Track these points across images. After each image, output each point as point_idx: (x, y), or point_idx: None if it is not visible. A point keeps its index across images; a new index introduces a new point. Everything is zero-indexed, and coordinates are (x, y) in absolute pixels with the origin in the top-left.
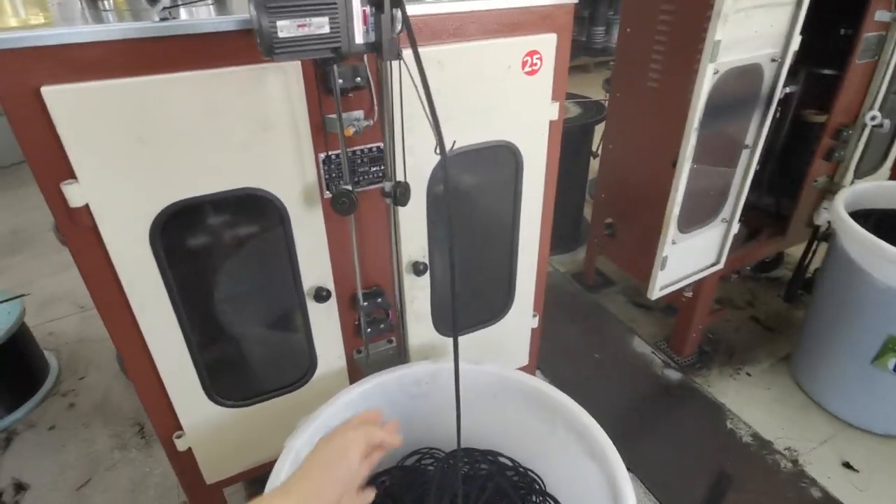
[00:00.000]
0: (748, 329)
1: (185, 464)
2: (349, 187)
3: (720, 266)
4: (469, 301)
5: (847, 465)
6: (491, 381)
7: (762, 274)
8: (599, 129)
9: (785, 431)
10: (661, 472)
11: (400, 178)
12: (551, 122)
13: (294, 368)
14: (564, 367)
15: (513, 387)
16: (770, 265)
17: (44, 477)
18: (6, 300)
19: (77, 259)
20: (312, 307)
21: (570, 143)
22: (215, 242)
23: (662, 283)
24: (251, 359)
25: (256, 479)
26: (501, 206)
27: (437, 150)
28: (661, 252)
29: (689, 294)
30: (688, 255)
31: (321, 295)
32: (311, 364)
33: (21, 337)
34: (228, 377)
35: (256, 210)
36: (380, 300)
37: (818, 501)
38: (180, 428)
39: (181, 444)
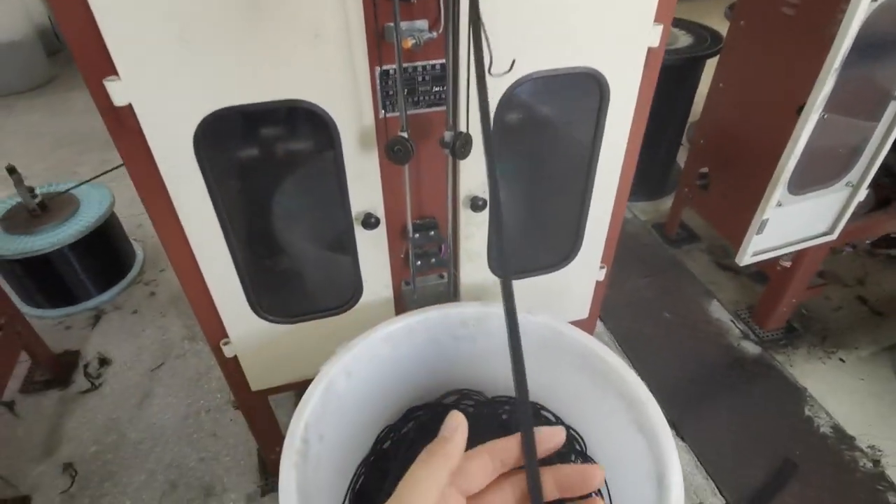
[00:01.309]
0: (852, 310)
1: (231, 369)
2: (405, 134)
3: (833, 237)
4: (528, 244)
5: None
6: (544, 334)
7: (883, 250)
8: (711, 66)
9: (872, 429)
10: (718, 448)
11: (463, 119)
12: (650, 50)
13: (339, 292)
14: (629, 322)
15: (566, 344)
16: (894, 241)
17: (124, 355)
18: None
19: (126, 163)
20: (360, 233)
21: (672, 77)
22: (262, 156)
23: (757, 248)
24: (296, 278)
25: (302, 392)
26: (577, 143)
27: (490, 70)
28: (760, 213)
29: (788, 264)
30: (794, 220)
31: (369, 222)
32: (356, 290)
33: (111, 225)
34: (273, 293)
35: (305, 125)
36: (432, 233)
37: None
38: (226, 336)
39: (227, 351)
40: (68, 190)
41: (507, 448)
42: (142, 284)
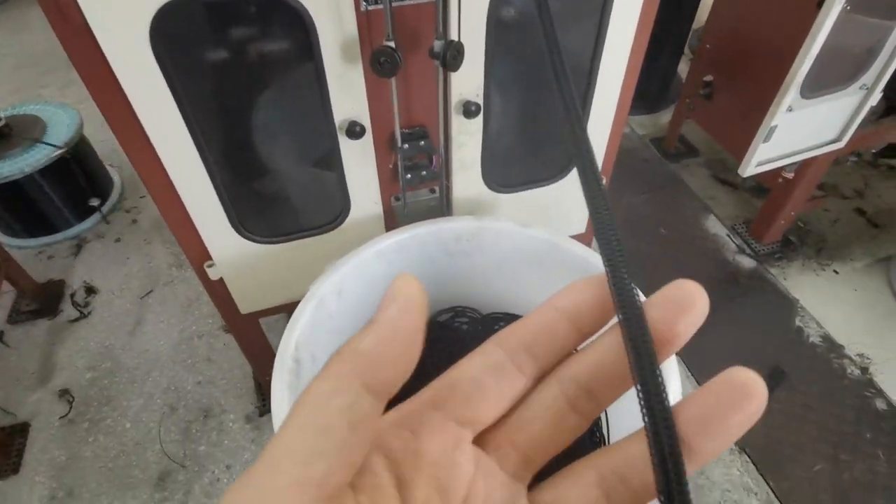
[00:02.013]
0: (849, 222)
1: (218, 292)
2: (392, 44)
3: (841, 144)
4: (524, 155)
5: None
6: (539, 248)
7: (885, 160)
8: None
9: (862, 337)
10: (709, 359)
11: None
12: None
13: (326, 209)
14: (626, 238)
15: (563, 257)
16: None
17: (111, 283)
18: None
19: (77, 67)
20: (345, 143)
21: None
22: (231, 56)
23: (762, 157)
24: (279, 194)
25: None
26: (577, 48)
27: None
28: (769, 119)
29: (790, 175)
30: (802, 127)
31: (354, 130)
32: (344, 206)
33: (83, 148)
34: (256, 212)
35: (278, 20)
36: (422, 143)
37: (881, 414)
38: (210, 258)
39: (212, 274)
40: (34, 112)
41: (534, 328)
42: (123, 212)
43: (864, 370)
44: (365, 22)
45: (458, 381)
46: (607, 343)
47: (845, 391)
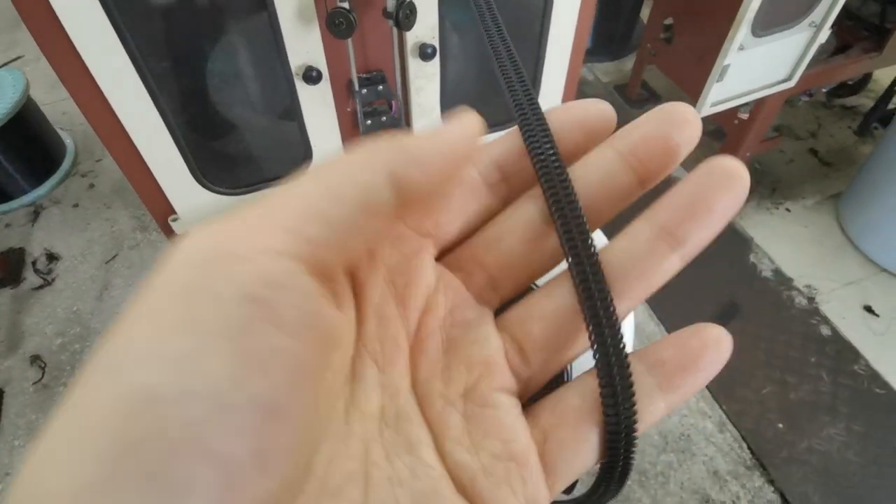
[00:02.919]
0: (803, 162)
1: None
2: (346, 5)
3: (791, 83)
4: (485, 98)
5: (868, 309)
6: None
7: (838, 100)
8: None
9: (810, 270)
10: (669, 297)
11: None
12: None
13: (288, 158)
14: None
15: None
16: (850, 89)
17: (72, 250)
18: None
19: (22, 14)
20: (303, 89)
21: None
22: (180, 2)
23: (716, 97)
24: (239, 144)
25: None
26: None
27: None
28: (722, 58)
29: (745, 116)
30: (755, 66)
31: (311, 76)
32: (306, 154)
33: (30, 112)
34: (217, 163)
35: None
36: (381, 88)
37: (824, 339)
38: (174, 212)
39: (177, 228)
40: None
41: (507, 147)
42: (78, 176)
43: (811, 300)
44: None
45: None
46: (593, 160)
47: (793, 320)
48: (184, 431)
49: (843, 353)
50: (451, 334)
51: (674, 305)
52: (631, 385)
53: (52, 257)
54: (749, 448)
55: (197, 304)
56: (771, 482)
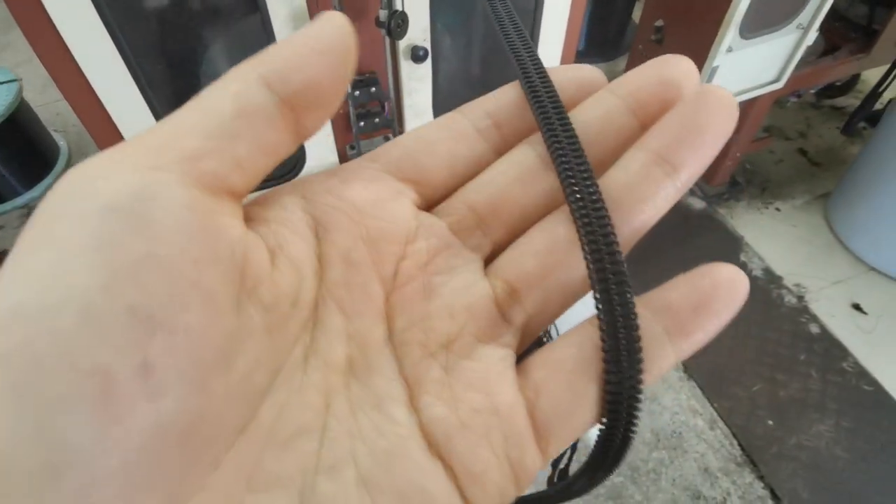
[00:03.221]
0: (792, 162)
1: None
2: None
3: (779, 85)
4: (473, 97)
5: (856, 307)
6: None
7: (826, 100)
8: None
9: (799, 268)
10: None
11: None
12: None
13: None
14: None
15: None
16: (839, 90)
17: None
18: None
19: (18, 20)
20: None
21: None
22: (175, 8)
23: None
24: None
25: None
26: None
27: None
28: (711, 61)
29: None
30: (743, 68)
31: None
32: (299, 156)
33: (24, 113)
34: None
35: None
36: (373, 90)
37: (813, 337)
38: None
39: None
40: None
41: (503, 99)
42: None
43: (800, 298)
44: None
45: (403, 139)
46: (592, 104)
47: (782, 318)
48: (51, 345)
49: (831, 350)
50: (434, 282)
51: None
52: (636, 328)
53: None
54: (739, 444)
55: (60, 222)
56: (761, 478)
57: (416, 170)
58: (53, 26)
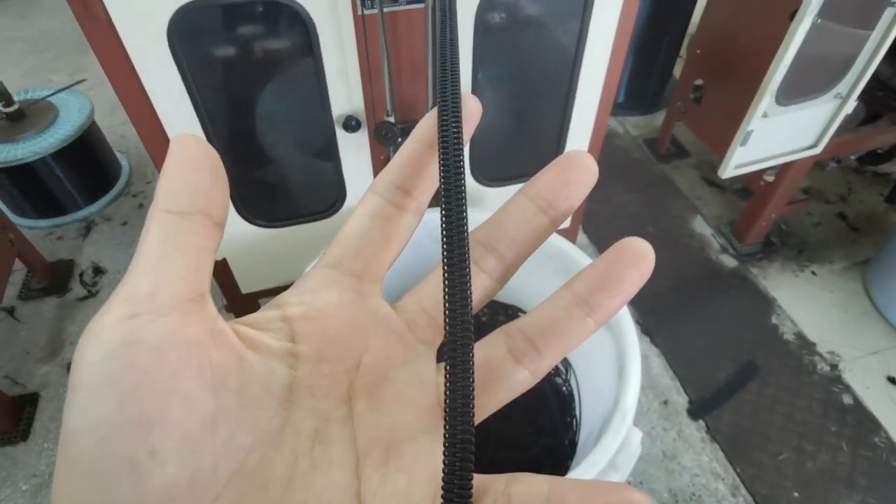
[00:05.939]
0: (831, 226)
1: (221, 272)
2: (392, 119)
3: (817, 151)
4: (509, 149)
5: (892, 380)
6: None
7: (869, 167)
8: None
9: (834, 336)
10: (687, 352)
11: None
12: None
13: (323, 197)
14: (612, 233)
15: (547, 251)
16: (881, 157)
17: (118, 265)
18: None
19: (100, 58)
20: (342, 136)
21: None
22: (240, 54)
23: (740, 160)
24: (280, 182)
25: None
26: (560, 48)
27: None
28: (745, 125)
29: (771, 178)
30: (779, 132)
31: (350, 124)
32: (340, 194)
33: (93, 134)
34: (258, 197)
35: (282, 21)
36: None
37: (846, 408)
38: None
39: (217, 255)
40: (46, 97)
41: (406, 162)
42: (129, 196)
43: (834, 367)
44: (361, 23)
45: (345, 236)
46: (510, 207)
47: (814, 386)
48: (98, 446)
49: (864, 423)
50: (390, 373)
51: (690, 362)
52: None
53: (98, 270)
54: None
55: (83, 369)
56: None
57: (362, 263)
58: (128, 57)
